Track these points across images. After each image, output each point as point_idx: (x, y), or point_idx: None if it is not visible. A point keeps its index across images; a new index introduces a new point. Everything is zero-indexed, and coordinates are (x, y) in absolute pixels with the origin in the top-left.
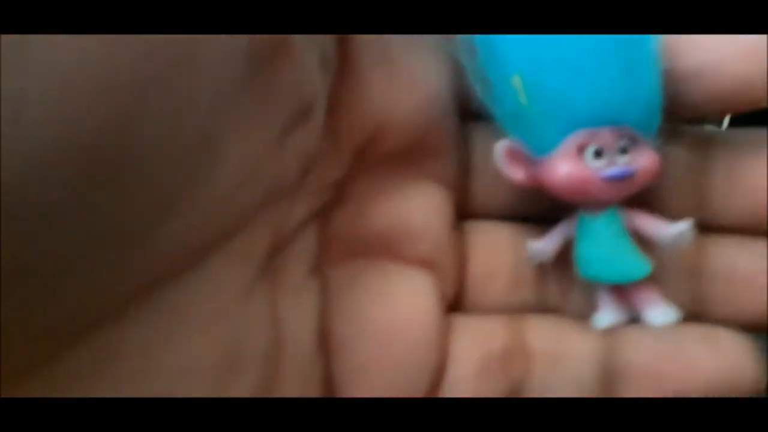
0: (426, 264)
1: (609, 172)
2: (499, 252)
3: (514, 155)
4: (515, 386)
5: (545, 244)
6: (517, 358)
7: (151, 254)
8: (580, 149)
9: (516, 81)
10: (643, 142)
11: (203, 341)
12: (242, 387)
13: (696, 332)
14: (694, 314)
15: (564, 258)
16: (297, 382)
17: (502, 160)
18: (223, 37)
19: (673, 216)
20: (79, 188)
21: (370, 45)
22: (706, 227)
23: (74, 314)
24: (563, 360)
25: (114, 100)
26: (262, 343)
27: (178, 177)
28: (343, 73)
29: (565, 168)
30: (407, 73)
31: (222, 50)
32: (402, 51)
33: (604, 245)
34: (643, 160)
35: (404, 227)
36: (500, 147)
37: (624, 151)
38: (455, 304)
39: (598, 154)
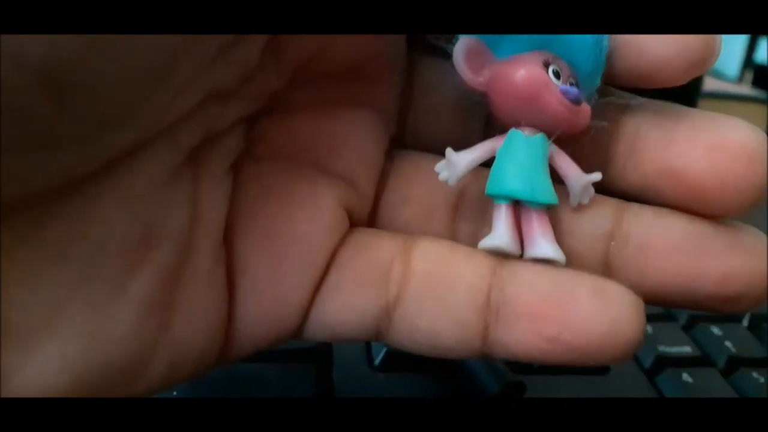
0: (343, 178)
1: (565, 87)
2: (418, 180)
3: (474, 53)
4: (390, 301)
5: (466, 154)
6: (397, 275)
7: (93, 154)
8: (545, 64)
9: None
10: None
11: (123, 216)
12: (159, 259)
13: (586, 281)
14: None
15: (476, 198)
16: (209, 261)
17: (462, 57)
18: None
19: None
20: (35, 95)
21: None
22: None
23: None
24: (441, 282)
25: (74, 38)
26: (180, 221)
27: (124, 99)
28: None
29: (527, 68)
30: None
31: None
32: None
33: (523, 163)
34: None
35: (329, 141)
36: (462, 44)
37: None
38: (366, 222)
39: (557, 75)
